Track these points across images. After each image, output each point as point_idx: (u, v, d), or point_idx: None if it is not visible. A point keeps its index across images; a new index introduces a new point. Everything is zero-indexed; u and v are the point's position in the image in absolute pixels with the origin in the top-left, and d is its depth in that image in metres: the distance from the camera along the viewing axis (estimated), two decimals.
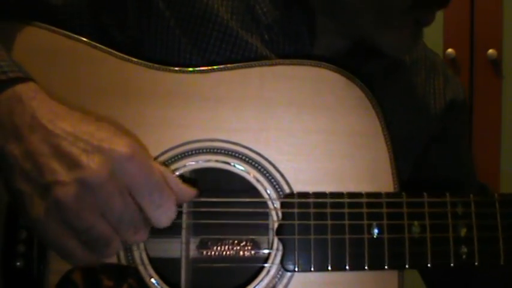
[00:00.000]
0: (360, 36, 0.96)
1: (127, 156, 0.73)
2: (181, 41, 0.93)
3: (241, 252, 0.92)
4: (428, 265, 0.86)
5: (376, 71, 1.02)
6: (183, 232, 0.89)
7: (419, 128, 1.08)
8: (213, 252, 0.92)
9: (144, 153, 0.77)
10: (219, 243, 0.92)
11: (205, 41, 0.94)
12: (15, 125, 0.74)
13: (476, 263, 0.86)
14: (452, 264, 0.86)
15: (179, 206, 0.82)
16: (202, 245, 0.92)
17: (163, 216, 0.77)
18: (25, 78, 0.77)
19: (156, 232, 0.82)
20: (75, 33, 0.89)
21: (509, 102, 2.37)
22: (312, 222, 0.86)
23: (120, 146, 0.74)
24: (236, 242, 0.92)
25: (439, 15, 2.52)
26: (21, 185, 0.73)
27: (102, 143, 0.73)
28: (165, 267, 0.89)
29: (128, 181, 0.74)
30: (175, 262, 0.90)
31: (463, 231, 0.86)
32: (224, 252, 0.92)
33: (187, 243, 0.91)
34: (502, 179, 2.35)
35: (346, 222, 0.86)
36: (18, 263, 0.84)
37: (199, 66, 0.90)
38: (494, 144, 2.37)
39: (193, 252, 0.92)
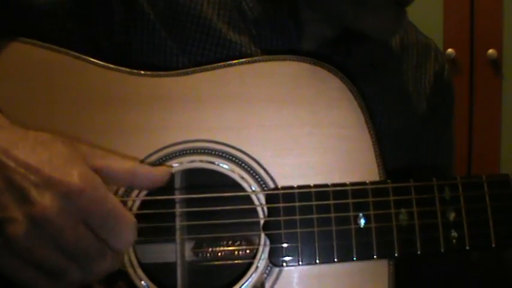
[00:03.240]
0: (342, 24, 0.96)
1: (78, 189, 0.73)
2: (167, 44, 0.94)
3: (236, 252, 0.91)
4: (418, 252, 0.84)
5: (365, 62, 1.02)
6: (177, 233, 0.89)
7: (411, 117, 1.07)
8: (208, 254, 0.92)
9: (97, 180, 0.76)
10: (214, 244, 0.91)
11: (190, 42, 0.94)
12: None
13: (467, 247, 0.84)
14: (442, 250, 0.84)
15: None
16: (198, 247, 0.92)
17: (120, 243, 0.77)
18: None
19: (150, 236, 0.83)
20: (63, 44, 0.90)
21: (509, 102, 2.36)
22: (297, 215, 0.85)
23: (71, 177, 0.73)
24: (231, 241, 0.91)
25: (439, 15, 2.53)
26: None
27: (53, 173, 0.73)
28: (162, 272, 0.89)
29: (80, 214, 0.73)
30: (170, 266, 0.89)
31: (452, 216, 0.85)
32: (219, 253, 0.92)
33: (182, 245, 0.90)
34: None
35: (332, 213, 0.85)
36: None
37: (183, 69, 0.90)
38: (494, 144, 2.35)
39: (188, 253, 0.92)
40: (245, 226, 0.89)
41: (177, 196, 0.89)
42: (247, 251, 0.91)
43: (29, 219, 0.72)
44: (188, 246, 0.92)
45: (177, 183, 0.91)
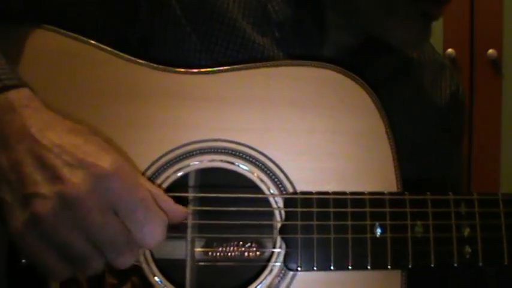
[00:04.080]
0: (369, 31, 0.96)
1: (110, 173, 0.72)
2: (191, 40, 0.93)
3: (246, 253, 0.92)
4: (432, 265, 0.86)
5: (384, 73, 1.02)
6: (189, 231, 0.89)
7: (424, 131, 1.08)
8: (218, 253, 0.92)
9: (130, 170, 0.75)
10: (224, 244, 0.92)
11: (213, 41, 0.94)
12: (4, 134, 0.73)
13: (480, 263, 0.86)
14: (455, 264, 0.86)
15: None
16: (208, 246, 0.92)
17: (148, 237, 0.74)
18: (20, 86, 0.76)
19: None
20: (86, 32, 0.89)
21: (509, 102, 2.37)
22: (314, 221, 0.86)
23: (105, 161, 0.72)
24: (241, 242, 0.92)
25: None
26: (5, 195, 0.72)
27: (87, 157, 0.72)
28: (171, 268, 0.89)
29: (110, 199, 0.72)
30: (180, 263, 0.90)
31: (466, 231, 0.86)
32: (229, 253, 0.92)
33: (193, 243, 0.91)
34: (502, 179, 2.36)
35: (349, 221, 0.86)
36: (23, 261, 0.85)
37: (206, 67, 0.91)
38: (494, 144, 2.37)
39: (198, 252, 0.92)
40: (256, 228, 0.90)
41: (195, 194, 0.90)
42: (257, 253, 0.92)
43: (58, 197, 0.70)
44: (198, 245, 0.93)
45: (191, 181, 0.91)
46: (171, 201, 0.79)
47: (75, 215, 0.71)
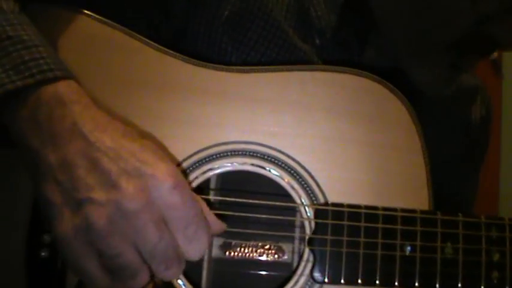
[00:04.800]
0: (397, 61, 0.94)
1: (169, 186, 0.69)
2: (223, 36, 0.90)
3: (264, 257, 0.91)
4: (459, 285, 0.85)
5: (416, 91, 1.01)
6: None
7: (450, 151, 1.07)
8: (235, 253, 0.91)
9: (186, 183, 0.72)
10: (243, 245, 0.91)
11: (254, 38, 0.91)
12: (54, 130, 0.69)
13: None
14: (482, 287, 0.86)
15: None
16: (226, 245, 0.91)
17: (193, 251, 0.72)
18: (68, 78, 0.73)
19: None
20: (118, 19, 0.86)
21: (509, 102, 2.38)
22: (345, 235, 0.85)
23: (164, 173, 0.69)
24: (260, 244, 0.91)
25: None
26: (52, 195, 0.69)
27: (144, 166, 0.69)
28: (187, 266, 0.87)
29: (165, 212, 0.69)
30: (198, 262, 0.88)
31: (496, 256, 0.86)
32: (247, 255, 0.91)
33: (210, 245, 0.90)
34: (501, 179, 2.37)
35: (380, 237, 0.85)
36: (43, 253, 0.83)
37: (239, 65, 0.88)
38: (494, 145, 2.37)
39: (215, 252, 0.91)
40: (278, 230, 0.89)
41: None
42: (276, 257, 0.91)
43: (114, 206, 0.67)
44: (216, 244, 0.91)
45: (212, 184, 0.90)
46: (212, 215, 0.77)
47: (130, 226, 0.68)
